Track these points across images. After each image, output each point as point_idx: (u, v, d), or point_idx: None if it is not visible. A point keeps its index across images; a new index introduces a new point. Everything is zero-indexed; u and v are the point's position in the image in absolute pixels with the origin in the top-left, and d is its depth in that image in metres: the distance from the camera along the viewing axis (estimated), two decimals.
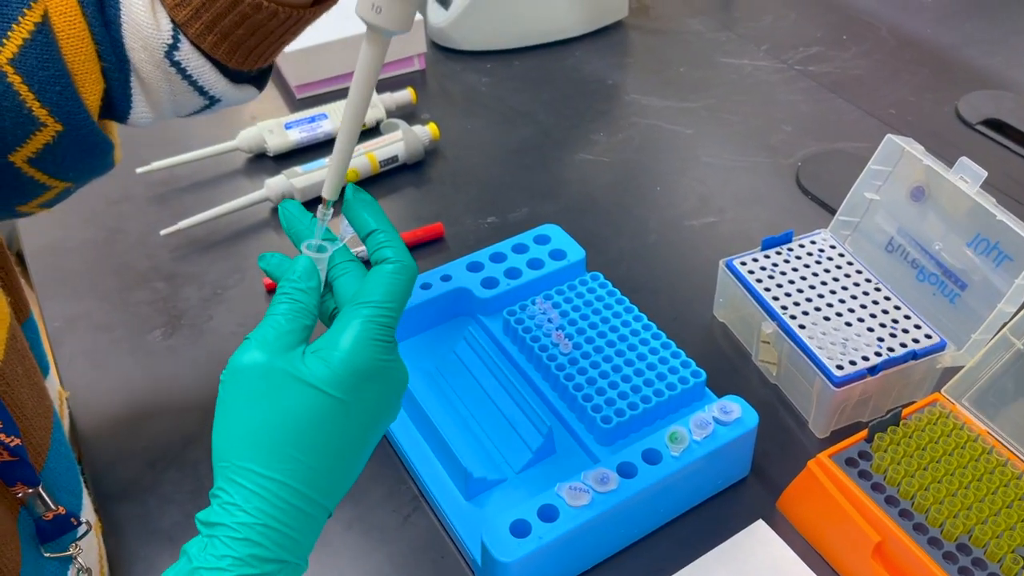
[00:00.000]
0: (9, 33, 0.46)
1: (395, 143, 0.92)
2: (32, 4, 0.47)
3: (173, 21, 0.52)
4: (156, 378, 0.73)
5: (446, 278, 0.72)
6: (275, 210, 0.89)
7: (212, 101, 0.56)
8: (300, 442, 0.42)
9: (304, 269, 0.45)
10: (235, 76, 0.56)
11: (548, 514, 0.56)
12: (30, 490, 0.46)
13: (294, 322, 0.43)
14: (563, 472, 0.62)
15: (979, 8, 1.21)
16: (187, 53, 0.53)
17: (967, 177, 0.66)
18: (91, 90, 0.50)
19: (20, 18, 0.47)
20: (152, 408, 0.70)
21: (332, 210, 0.47)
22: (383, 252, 0.45)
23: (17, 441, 0.44)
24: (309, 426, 0.42)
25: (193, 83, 0.54)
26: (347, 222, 0.47)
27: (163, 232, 0.84)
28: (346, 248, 0.47)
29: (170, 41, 0.52)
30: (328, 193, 0.47)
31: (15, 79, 0.47)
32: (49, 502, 0.48)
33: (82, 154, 0.52)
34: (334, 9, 0.86)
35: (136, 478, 0.66)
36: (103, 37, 0.50)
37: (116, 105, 0.54)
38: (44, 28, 0.47)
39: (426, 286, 0.72)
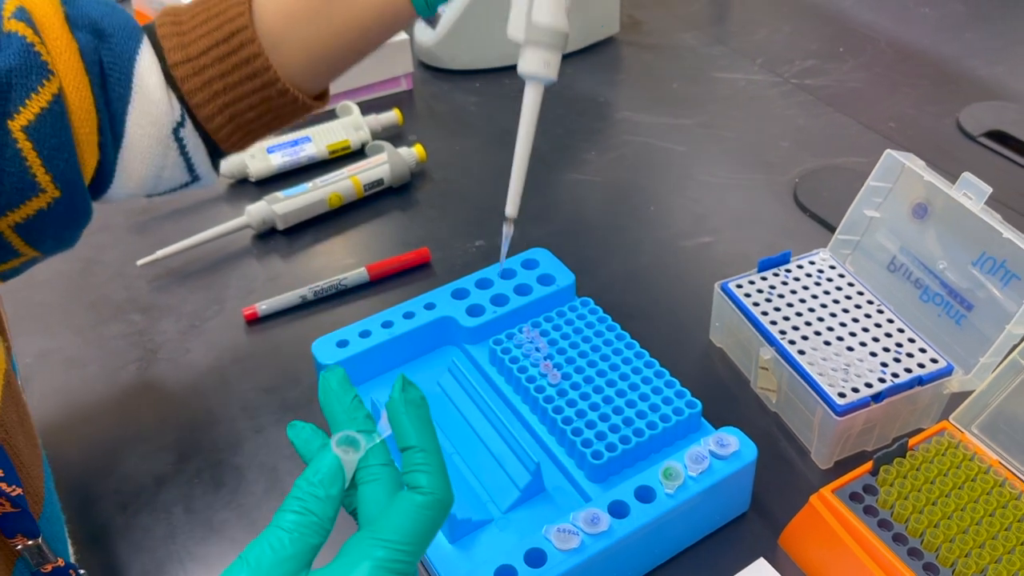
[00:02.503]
0: (27, 101, 0.48)
1: (380, 166, 0.89)
2: (51, 76, 0.49)
3: (182, 100, 0.55)
4: (129, 415, 0.70)
5: (430, 306, 0.69)
6: (256, 237, 0.86)
7: (193, 180, 0.58)
8: None
9: (328, 472, 0.39)
10: (215, 157, 0.59)
11: (535, 559, 0.52)
12: (30, 542, 0.44)
13: (299, 542, 0.37)
14: (552, 511, 0.59)
15: (979, 18, 1.18)
16: (189, 131, 0.55)
17: (971, 193, 0.63)
18: (89, 162, 0.52)
19: (39, 88, 0.48)
20: (124, 447, 0.67)
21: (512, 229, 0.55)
22: (416, 477, 0.39)
23: (19, 491, 0.42)
24: None
25: (187, 159, 0.56)
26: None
27: (140, 262, 0.81)
28: (383, 447, 0.41)
29: (179, 119, 0.55)
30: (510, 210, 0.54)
31: (26, 145, 0.48)
32: (49, 554, 0.45)
33: (67, 223, 0.53)
34: None
35: (106, 522, 0.62)
36: (104, 112, 0.52)
37: (101, 179, 0.55)
38: (59, 99, 0.49)
39: (408, 315, 0.69)
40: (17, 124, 0.48)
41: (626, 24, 1.17)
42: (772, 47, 1.13)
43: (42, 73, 0.49)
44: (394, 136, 0.98)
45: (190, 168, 0.57)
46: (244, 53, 0.54)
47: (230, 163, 0.91)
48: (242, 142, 0.58)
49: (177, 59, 0.54)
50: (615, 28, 1.14)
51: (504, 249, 0.57)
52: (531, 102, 0.52)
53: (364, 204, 0.89)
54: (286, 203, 0.85)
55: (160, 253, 0.82)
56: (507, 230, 0.55)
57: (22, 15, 0.49)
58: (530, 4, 0.50)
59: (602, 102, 1.04)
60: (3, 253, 0.52)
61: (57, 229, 0.52)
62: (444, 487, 0.40)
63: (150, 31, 0.55)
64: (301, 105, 0.57)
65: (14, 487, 0.41)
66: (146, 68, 0.53)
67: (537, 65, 0.51)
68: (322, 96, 0.59)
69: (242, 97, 0.55)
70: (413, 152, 0.92)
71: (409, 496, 0.39)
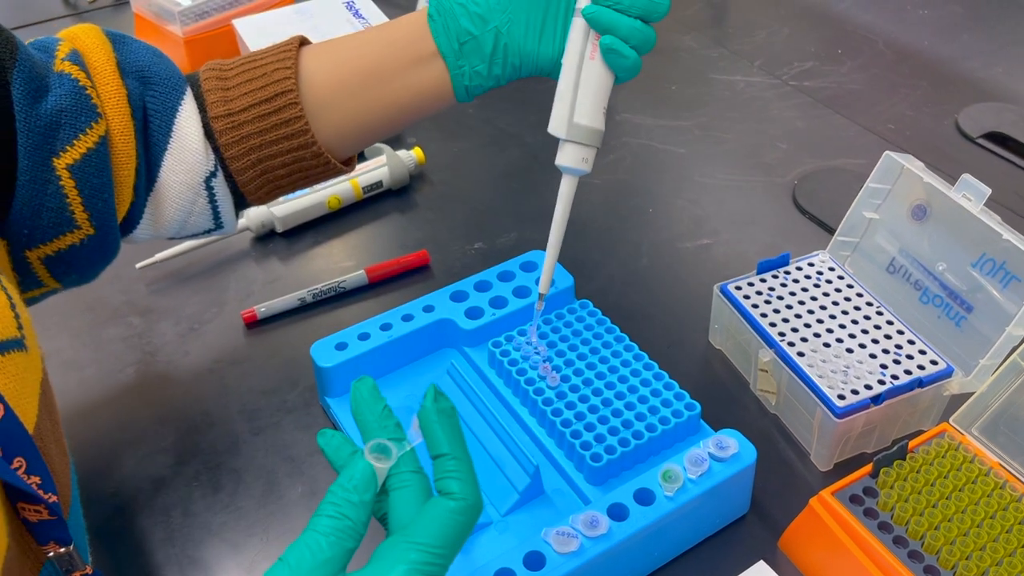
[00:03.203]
0: (74, 141, 0.50)
1: (379, 168, 0.89)
2: (99, 119, 0.51)
3: (216, 151, 0.56)
4: (127, 418, 0.69)
5: (428, 308, 0.69)
6: (255, 240, 0.86)
7: (216, 227, 0.60)
8: None
9: (362, 478, 0.40)
10: (238, 207, 0.60)
11: (534, 562, 0.52)
12: (62, 549, 0.44)
13: (336, 546, 0.39)
14: (551, 514, 0.59)
15: (977, 19, 1.18)
16: (220, 181, 0.57)
17: (970, 195, 0.63)
18: (123, 203, 0.54)
19: (88, 129, 0.50)
20: (122, 450, 0.67)
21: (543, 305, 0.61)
22: (448, 484, 0.41)
23: (55, 498, 0.42)
24: None
25: (215, 208, 0.58)
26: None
27: (139, 265, 0.81)
28: (412, 454, 0.43)
29: (213, 169, 0.56)
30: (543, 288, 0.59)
31: (68, 183, 0.50)
32: (79, 562, 0.45)
33: (94, 260, 0.54)
34: (313, 31, 0.84)
35: (104, 525, 0.62)
36: (143, 157, 0.54)
37: (129, 220, 0.56)
38: (105, 142, 0.51)
39: (407, 317, 0.69)
40: (63, 162, 0.49)
41: None
42: (771, 49, 1.13)
43: (91, 115, 0.50)
44: (393, 139, 0.98)
45: (216, 216, 0.59)
46: (285, 114, 0.56)
47: None
48: (268, 196, 0.60)
49: (218, 112, 0.56)
50: None
51: (535, 320, 0.63)
52: (566, 193, 0.57)
53: (363, 206, 0.89)
54: (285, 205, 0.85)
55: (159, 256, 0.82)
56: (539, 304, 0.61)
57: (75, 58, 0.51)
58: (572, 106, 0.54)
59: None
60: (26, 282, 0.53)
61: (83, 265, 0.54)
62: (475, 493, 0.41)
63: (193, 81, 0.57)
64: (331, 168, 0.59)
65: (50, 494, 0.41)
66: (187, 118, 0.55)
67: (576, 160, 0.56)
68: (349, 161, 0.62)
69: (276, 155, 0.57)
70: (412, 155, 0.92)
71: (442, 502, 0.41)
